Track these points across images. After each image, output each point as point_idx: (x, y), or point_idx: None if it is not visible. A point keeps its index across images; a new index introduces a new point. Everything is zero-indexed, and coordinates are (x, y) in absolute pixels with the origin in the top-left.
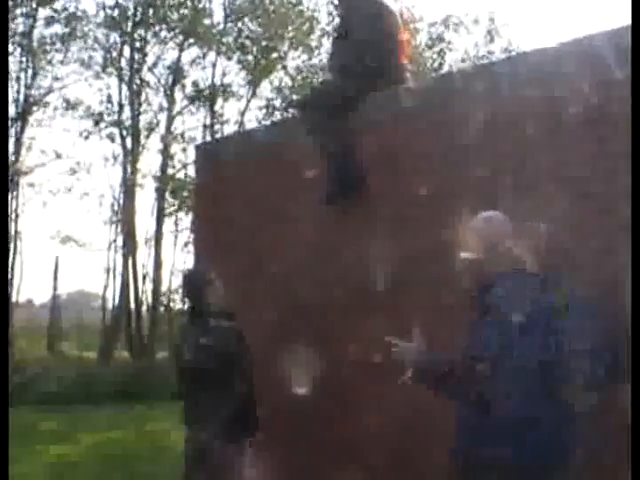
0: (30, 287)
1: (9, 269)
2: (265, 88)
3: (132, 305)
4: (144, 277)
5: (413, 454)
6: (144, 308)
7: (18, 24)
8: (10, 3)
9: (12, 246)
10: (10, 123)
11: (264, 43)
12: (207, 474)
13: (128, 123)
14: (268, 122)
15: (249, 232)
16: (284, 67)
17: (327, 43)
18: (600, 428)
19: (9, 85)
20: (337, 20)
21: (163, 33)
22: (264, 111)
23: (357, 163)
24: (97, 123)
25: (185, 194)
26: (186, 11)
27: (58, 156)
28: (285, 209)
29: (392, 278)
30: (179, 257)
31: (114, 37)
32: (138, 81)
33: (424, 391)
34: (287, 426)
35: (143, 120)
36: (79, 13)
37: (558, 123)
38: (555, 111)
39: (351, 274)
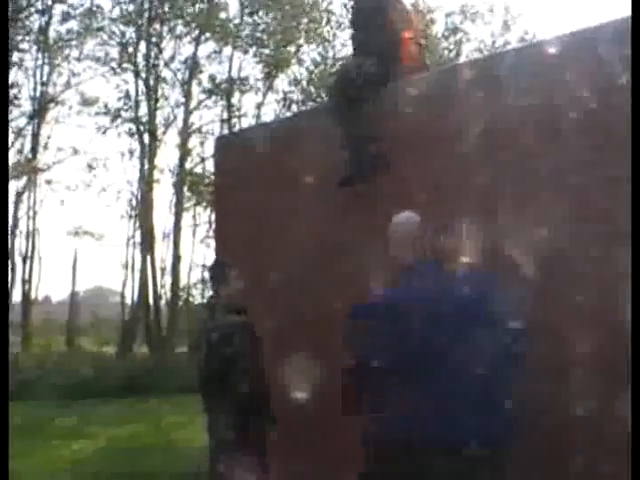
0: (48, 284)
1: (27, 267)
2: (282, 81)
3: (151, 300)
4: (162, 272)
5: None
6: (163, 302)
7: (34, 21)
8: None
9: (30, 244)
10: (27, 121)
11: (280, 36)
12: (227, 467)
13: (145, 119)
14: (286, 115)
15: (269, 223)
16: (300, 60)
17: (343, 35)
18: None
19: (25, 82)
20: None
21: (179, 28)
22: (281, 104)
23: (377, 147)
24: (114, 119)
25: (203, 188)
26: (202, 5)
27: (75, 152)
28: (305, 200)
29: None
30: (198, 251)
31: (130, 33)
32: (154, 76)
33: None
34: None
35: (160, 115)
36: (94, 9)
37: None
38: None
39: (375, 263)
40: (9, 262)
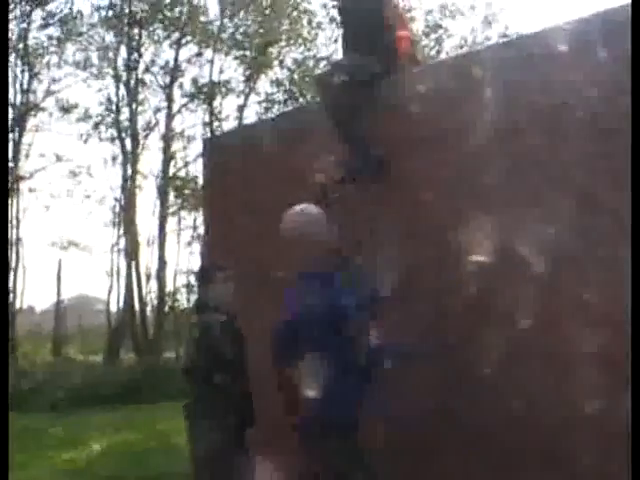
0: (31, 294)
1: (11, 276)
2: (264, 83)
3: (136, 306)
4: (148, 277)
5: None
6: (149, 309)
7: (12, 28)
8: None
9: (14, 253)
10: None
11: (261, 38)
12: (214, 472)
13: (127, 124)
14: (268, 117)
15: (259, 224)
16: (281, 62)
17: (323, 35)
18: None
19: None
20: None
21: (159, 32)
22: (263, 106)
23: (376, 142)
24: (96, 125)
25: (187, 192)
26: (181, 9)
27: (58, 159)
28: (295, 199)
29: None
30: (183, 256)
31: (110, 37)
32: (135, 81)
33: None
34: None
35: (142, 120)
36: (74, 14)
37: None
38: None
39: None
40: None
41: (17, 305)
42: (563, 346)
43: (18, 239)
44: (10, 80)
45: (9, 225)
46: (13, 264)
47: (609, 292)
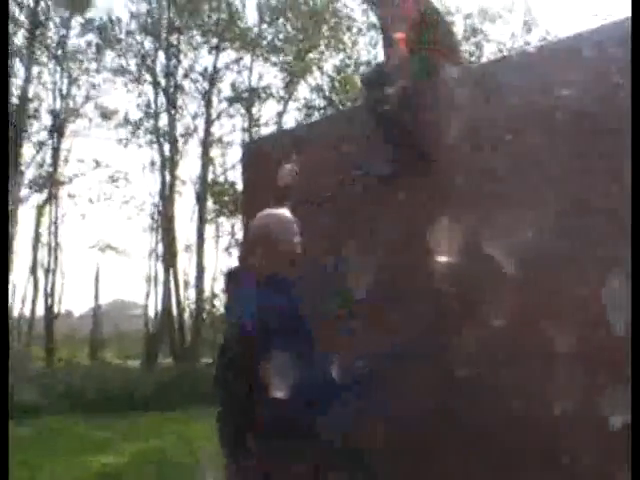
0: (70, 298)
1: (49, 281)
2: (303, 89)
3: (174, 311)
4: (185, 283)
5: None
6: (186, 314)
7: (51, 35)
8: (42, 14)
9: (52, 258)
10: (47, 134)
11: (300, 44)
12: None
13: (165, 130)
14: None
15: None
16: (320, 68)
17: (363, 40)
18: None
19: (45, 96)
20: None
21: (197, 38)
22: (303, 112)
23: (421, 138)
24: (135, 131)
25: (226, 198)
26: (220, 15)
27: (97, 165)
28: (335, 203)
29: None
30: (221, 262)
31: (148, 44)
32: (174, 87)
33: None
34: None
35: (180, 126)
36: (112, 21)
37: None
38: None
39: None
40: (32, 276)
41: (55, 310)
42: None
43: (57, 244)
44: (49, 86)
45: (47, 230)
46: (52, 269)
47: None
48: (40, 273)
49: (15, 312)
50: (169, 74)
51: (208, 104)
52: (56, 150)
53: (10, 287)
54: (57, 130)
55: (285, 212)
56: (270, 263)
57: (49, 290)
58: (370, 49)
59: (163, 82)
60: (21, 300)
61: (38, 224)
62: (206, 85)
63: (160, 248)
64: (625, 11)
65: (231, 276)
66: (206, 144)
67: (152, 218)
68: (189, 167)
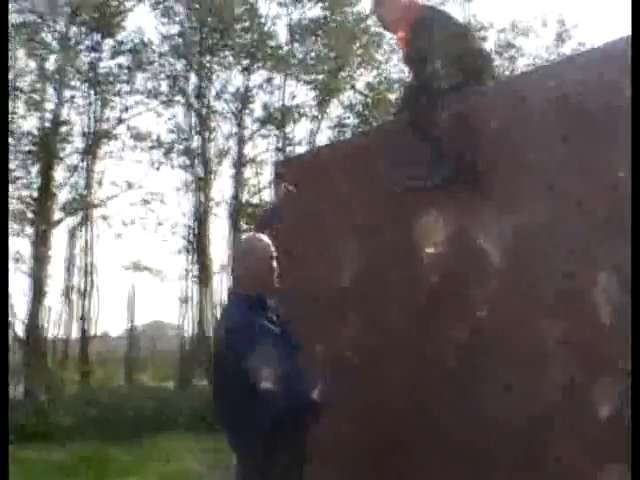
0: (106, 319)
1: (85, 303)
2: (335, 107)
3: (210, 332)
4: (221, 304)
5: None
6: None
7: (83, 58)
8: (73, 37)
9: (87, 280)
10: (80, 157)
11: (332, 62)
12: None
13: (198, 151)
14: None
15: (330, 247)
16: (353, 87)
17: (395, 58)
18: None
19: (77, 120)
20: None
21: (229, 59)
22: (336, 130)
23: (467, 146)
24: (167, 152)
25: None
26: (252, 36)
27: (130, 187)
28: (369, 221)
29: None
30: None
31: (179, 65)
32: (206, 108)
33: None
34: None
35: (213, 147)
36: (144, 43)
37: None
38: None
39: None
40: (63, 297)
41: (91, 332)
42: None
43: (92, 266)
44: (82, 109)
45: (82, 253)
46: (87, 291)
47: None
48: (75, 296)
49: (50, 334)
50: (201, 95)
51: (240, 124)
52: (89, 173)
53: (45, 310)
54: (90, 152)
55: (263, 237)
56: (248, 284)
57: (84, 312)
58: (402, 66)
59: (195, 103)
60: (56, 323)
61: (72, 247)
62: (238, 105)
63: (195, 269)
64: None
65: (228, 296)
66: (239, 165)
67: (186, 239)
68: (222, 188)
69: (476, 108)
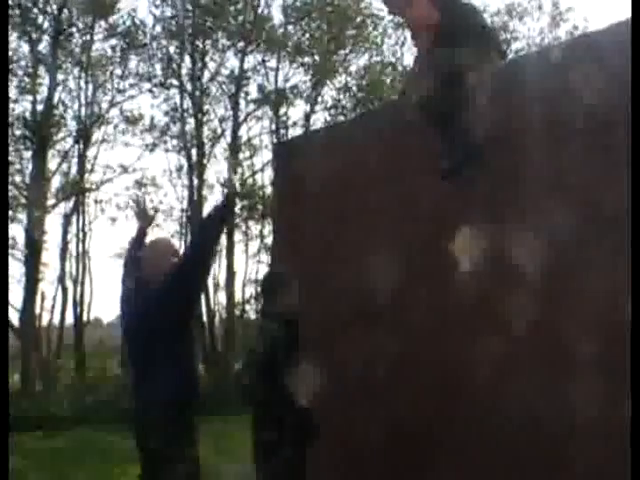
0: (98, 305)
1: (78, 289)
2: (330, 89)
3: (204, 317)
4: (215, 288)
5: None
6: (217, 319)
7: (75, 40)
8: (66, 20)
9: (80, 265)
10: (72, 141)
11: (326, 44)
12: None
13: (192, 134)
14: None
15: (330, 230)
16: (347, 68)
17: (390, 40)
18: None
19: (69, 103)
20: None
21: (223, 41)
22: (331, 112)
23: (476, 133)
24: (162, 136)
25: (257, 200)
26: (245, 17)
27: (124, 170)
28: (368, 204)
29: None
30: (251, 267)
31: (173, 48)
32: (200, 91)
33: None
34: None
35: (207, 129)
36: (136, 25)
37: None
38: None
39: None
40: (59, 285)
41: (84, 318)
42: None
43: (84, 252)
44: (74, 93)
45: (75, 239)
46: (79, 277)
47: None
48: (69, 282)
49: (44, 322)
50: (195, 78)
51: (235, 107)
52: (82, 157)
53: (38, 297)
54: (83, 137)
55: (164, 240)
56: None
57: (78, 299)
58: (397, 49)
59: (189, 86)
60: (50, 310)
61: (66, 233)
62: (232, 88)
63: None
64: None
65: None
66: (234, 147)
67: (180, 223)
68: (217, 171)
69: (488, 89)
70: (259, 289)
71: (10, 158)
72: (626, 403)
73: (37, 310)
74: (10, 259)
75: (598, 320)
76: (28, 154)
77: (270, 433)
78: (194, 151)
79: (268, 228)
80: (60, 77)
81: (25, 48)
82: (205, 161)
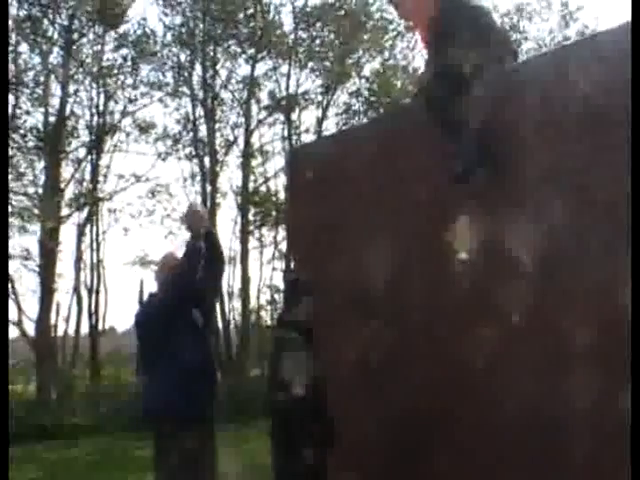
0: (113, 314)
1: (92, 298)
2: (342, 94)
3: (219, 324)
4: (230, 295)
5: None
6: (232, 326)
7: (86, 50)
8: (76, 31)
9: (95, 275)
10: (85, 150)
11: (337, 49)
12: None
13: (205, 141)
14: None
15: (345, 236)
16: (359, 72)
17: (401, 44)
18: None
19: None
20: None
21: (233, 48)
22: (343, 117)
23: (488, 136)
24: (174, 144)
25: (270, 206)
26: (255, 23)
27: (137, 179)
28: (383, 208)
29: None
30: (265, 273)
31: (184, 56)
32: (211, 98)
33: None
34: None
35: (220, 137)
36: (147, 34)
37: None
38: None
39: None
40: (73, 294)
41: (99, 327)
42: None
43: (99, 261)
44: (86, 102)
45: (89, 249)
46: (94, 286)
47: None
48: (84, 292)
49: (60, 331)
50: (206, 85)
51: (247, 114)
52: (95, 167)
53: (54, 307)
54: (95, 146)
55: (174, 253)
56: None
57: (93, 308)
58: (408, 52)
59: (201, 94)
60: (65, 320)
61: (80, 243)
62: (244, 95)
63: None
64: None
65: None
66: (246, 154)
67: None
68: (230, 178)
69: (498, 93)
70: (283, 296)
71: (23, 169)
72: (624, 395)
73: (52, 320)
74: (25, 270)
75: (596, 314)
76: (41, 165)
77: (290, 436)
78: (207, 159)
79: (282, 234)
80: (72, 88)
81: (36, 60)
82: (218, 168)
